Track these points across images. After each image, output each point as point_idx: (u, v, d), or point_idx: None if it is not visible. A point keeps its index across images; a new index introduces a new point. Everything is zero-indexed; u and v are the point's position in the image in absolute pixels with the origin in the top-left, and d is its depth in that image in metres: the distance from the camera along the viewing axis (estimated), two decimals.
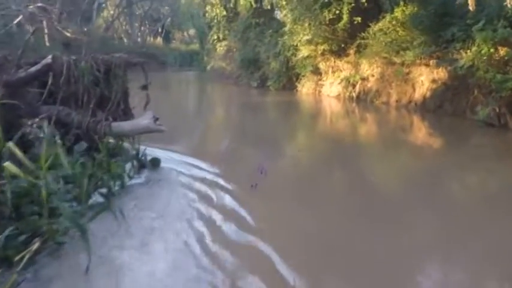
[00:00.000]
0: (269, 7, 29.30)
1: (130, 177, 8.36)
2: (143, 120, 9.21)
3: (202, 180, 8.53)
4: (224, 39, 35.94)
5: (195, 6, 39.64)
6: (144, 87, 10.03)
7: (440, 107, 17.63)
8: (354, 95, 22.33)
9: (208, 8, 35.75)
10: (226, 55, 35.68)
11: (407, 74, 19.31)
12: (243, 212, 6.90)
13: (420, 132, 15.48)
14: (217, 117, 19.08)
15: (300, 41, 23.99)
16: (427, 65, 18.29)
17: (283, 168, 10.23)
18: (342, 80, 23.13)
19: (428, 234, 6.51)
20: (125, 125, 9.14)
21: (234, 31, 34.14)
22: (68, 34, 46.85)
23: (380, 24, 20.98)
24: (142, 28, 70.81)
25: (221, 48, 36.06)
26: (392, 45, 19.86)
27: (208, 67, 39.93)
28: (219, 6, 34.63)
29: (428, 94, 18.28)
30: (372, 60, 21.43)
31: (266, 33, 29.85)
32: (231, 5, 33.91)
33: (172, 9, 62.84)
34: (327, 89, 24.52)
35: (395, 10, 20.54)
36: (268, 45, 29.02)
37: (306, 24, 23.36)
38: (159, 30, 70.80)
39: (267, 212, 7.09)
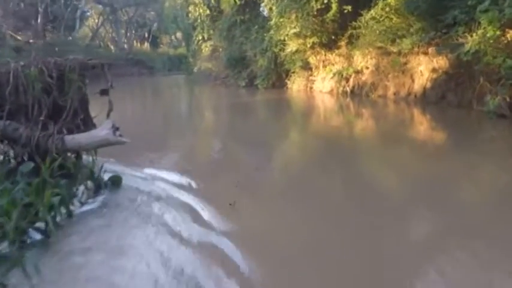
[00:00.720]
0: (253, 1, 27.68)
1: (82, 203, 6.74)
2: (101, 131, 7.61)
3: (174, 202, 6.91)
4: (209, 39, 34.76)
5: (178, 8, 37.91)
6: (104, 92, 8.39)
7: (443, 98, 16.36)
8: (348, 89, 21.21)
9: (191, 8, 34.33)
10: (212, 55, 34.61)
11: (405, 64, 18.08)
12: (225, 250, 5.22)
13: (422, 126, 14.09)
14: (201, 123, 17.45)
15: (287, 35, 22.58)
16: (426, 53, 16.98)
17: (271, 178, 8.84)
18: (334, 74, 21.90)
19: (433, 244, 5.41)
20: (80, 138, 7.55)
21: (218, 30, 32.93)
22: (19, 38, 45.64)
23: (372, 11, 19.50)
24: (128, 34, 70.01)
25: (207, 48, 34.87)
26: (387, 34, 18.50)
27: (195, 69, 38.77)
28: (201, 5, 33.29)
29: (428, 85, 17.05)
30: (365, 51, 20.20)
31: (252, 29, 28.54)
32: (214, 3, 32.73)
33: (157, 13, 61.50)
34: (319, 84, 23.30)
35: None
36: (254, 42, 27.79)
37: (293, 17, 21.95)
38: (146, 35, 69.89)
39: (254, 256, 5.08)
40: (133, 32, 71.23)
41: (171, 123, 17.54)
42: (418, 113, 16.14)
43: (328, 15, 20.84)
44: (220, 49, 33.19)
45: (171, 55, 61.96)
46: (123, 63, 59.50)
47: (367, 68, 20.40)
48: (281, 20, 22.75)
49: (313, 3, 20.70)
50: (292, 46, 22.86)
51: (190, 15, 35.14)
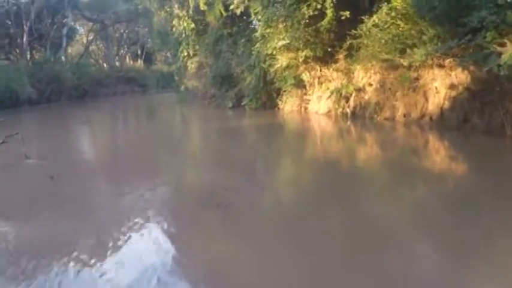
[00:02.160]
0: (239, 12, 24.48)
1: None
2: None
3: None
4: (195, 55, 31.52)
5: (163, 23, 34.85)
6: None
7: (465, 122, 13.47)
8: (349, 110, 18.33)
9: (175, 22, 31.11)
10: (198, 73, 31.49)
11: (416, 79, 15.25)
12: None
13: (438, 156, 11.79)
14: (176, 155, 14.06)
15: (275, 48, 19.36)
16: (442, 66, 14.16)
17: (260, 218, 7.50)
18: (331, 93, 18.95)
19: None
20: None
21: (204, 45, 30.00)
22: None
23: (375, 17, 16.42)
24: (120, 52, 68.31)
25: (192, 65, 31.73)
26: (393, 43, 15.43)
27: (182, 87, 35.63)
28: (186, 18, 30.09)
29: (446, 105, 14.23)
30: (367, 65, 17.25)
31: (239, 43, 25.43)
32: (200, 16, 29.72)
33: (149, 30, 59.15)
34: (315, 105, 20.35)
35: None
36: (241, 57, 24.81)
37: (281, 26, 18.76)
38: (139, 52, 68.02)
39: None
40: (126, 48, 69.88)
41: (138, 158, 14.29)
42: (434, 139, 13.67)
43: (322, 23, 17.63)
44: (206, 66, 30.10)
45: (164, 72, 59.11)
46: (115, 81, 57.65)
47: (371, 85, 17.47)
48: (268, 30, 19.59)
49: (304, 9, 17.60)
50: (282, 61, 19.72)
51: (174, 29, 31.92)
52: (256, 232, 6.72)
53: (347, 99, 18.26)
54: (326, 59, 19.24)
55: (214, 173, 10.82)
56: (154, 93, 54.30)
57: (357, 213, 7.32)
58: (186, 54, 32.00)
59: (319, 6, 17.39)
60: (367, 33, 16.68)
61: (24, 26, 49.46)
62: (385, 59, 15.94)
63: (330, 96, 18.85)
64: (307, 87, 20.69)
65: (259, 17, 20.41)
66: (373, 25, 16.43)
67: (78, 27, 65.30)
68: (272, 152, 14.22)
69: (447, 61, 13.69)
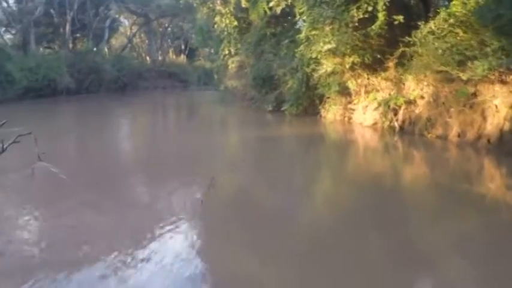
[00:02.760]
0: (280, 10, 23.20)
1: None
2: None
3: None
4: (236, 54, 30.31)
5: (205, 19, 33.69)
6: None
7: None
8: (396, 124, 16.78)
9: (217, 18, 29.88)
10: (239, 72, 30.23)
11: (474, 95, 13.82)
12: None
13: (493, 183, 10.69)
14: (205, 167, 12.85)
15: (320, 51, 17.87)
16: (504, 83, 12.80)
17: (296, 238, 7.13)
18: (379, 104, 17.50)
19: None
20: None
21: (246, 44, 28.71)
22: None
23: (431, 24, 14.87)
24: (163, 46, 67.81)
25: (233, 64, 30.44)
26: (451, 54, 13.98)
27: (222, 87, 34.66)
28: (228, 15, 28.87)
29: (507, 126, 12.74)
30: (420, 75, 15.77)
31: (282, 44, 24.15)
32: (243, 14, 28.69)
33: (193, 25, 58.50)
34: (359, 115, 18.93)
35: (453, 2, 14.38)
36: (284, 59, 23.50)
37: (327, 29, 17.30)
38: (183, 47, 67.43)
39: None
40: (169, 43, 69.52)
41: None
42: (491, 165, 12.42)
43: (373, 27, 16.19)
44: (247, 66, 28.93)
45: (207, 69, 58.27)
46: (156, 75, 57.08)
47: (422, 97, 15.93)
48: (313, 32, 18.15)
49: (353, 11, 16.18)
50: (326, 66, 18.30)
51: (216, 26, 30.73)
52: (287, 251, 6.53)
53: (395, 112, 16.81)
54: (374, 66, 17.80)
55: (251, 186, 10.59)
56: (195, 90, 53.65)
57: (397, 239, 6.95)
58: (227, 52, 30.88)
59: (370, 9, 15.98)
60: (422, 41, 15.27)
61: (68, 16, 49.31)
62: (440, 70, 14.55)
63: (377, 108, 17.43)
64: (353, 96, 19.32)
65: (304, 17, 18.99)
66: (428, 32, 15.01)
67: (122, 20, 65.23)
68: (312, 165, 13.32)
69: (511, 77, 12.19)
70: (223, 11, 29.19)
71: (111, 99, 42.38)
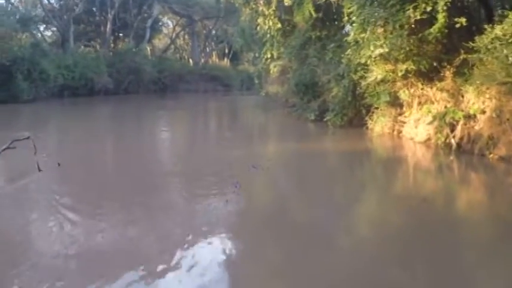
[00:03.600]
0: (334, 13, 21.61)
1: None
2: None
3: None
4: (278, 58, 28.74)
5: (247, 20, 32.15)
6: None
7: None
8: (453, 141, 14.56)
9: (260, 20, 28.22)
10: (280, 78, 28.65)
11: None
12: None
13: None
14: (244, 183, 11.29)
15: (370, 56, 15.94)
16: None
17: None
18: (433, 118, 15.34)
19: None
20: None
21: (290, 47, 27.04)
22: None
23: (498, 28, 12.78)
24: (207, 48, 67.16)
25: (275, 69, 28.88)
26: None
27: (262, 92, 32.90)
28: (272, 17, 27.16)
29: None
30: (482, 87, 13.59)
31: (328, 48, 22.31)
32: (287, 16, 27.00)
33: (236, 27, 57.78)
34: (411, 129, 16.82)
35: None
36: (329, 65, 21.70)
37: (379, 31, 15.35)
38: (226, 51, 66.68)
39: None
40: (213, 46, 68.98)
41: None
42: None
43: (431, 30, 14.12)
44: (290, 71, 27.37)
45: (250, 73, 57.27)
46: (197, 78, 56.18)
47: (484, 112, 13.80)
48: (362, 35, 16.17)
49: (409, 11, 14.16)
50: (376, 73, 16.33)
51: (258, 28, 29.07)
52: (322, 279, 5.93)
53: (452, 128, 14.71)
54: (430, 75, 15.83)
55: (289, 203, 9.79)
56: (237, 95, 52.46)
57: (445, 275, 5.99)
58: (269, 56, 29.18)
59: (428, 9, 13.91)
60: (487, 47, 13.18)
61: (109, 14, 48.76)
62: (505, 82, 12.57)
63: (431, 122, 15.41)
64: (404, 107, 17.33)
65: (354, 18, 17.01)
66: (494, 37, 12.93)
67: (165, 21, 64.86)
68: (356, 184, 11.81)
69: None
70: (266, 12, 27.52)
71: (149, 101, 41.42)
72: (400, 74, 15.66)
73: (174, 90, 52.03)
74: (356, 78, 18.27)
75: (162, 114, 30.49)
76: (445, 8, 13.66)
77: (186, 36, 69.01)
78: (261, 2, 27.67)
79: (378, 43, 15.18)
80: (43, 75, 36.40)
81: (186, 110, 34.81)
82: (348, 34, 19.82)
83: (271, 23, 27.40)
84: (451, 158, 13.92)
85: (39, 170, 10.80)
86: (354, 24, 16.96)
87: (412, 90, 16.54)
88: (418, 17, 14.09)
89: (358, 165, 14.33)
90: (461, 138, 14.42)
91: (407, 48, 14.74)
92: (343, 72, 19.46)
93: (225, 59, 67.40)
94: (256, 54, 36.87)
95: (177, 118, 29.89)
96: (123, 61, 47.18)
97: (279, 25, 27.30)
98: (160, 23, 62.22)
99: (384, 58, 15.57)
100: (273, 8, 26.61)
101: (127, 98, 43.76)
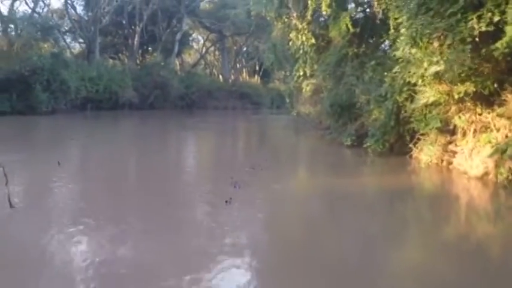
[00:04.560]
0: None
1: None
2: None
3: None
4: (312, 75, 26.44)
5: (278, 35, 29.99)
6: None
7: None
8: None
9: (293, 35, 26.07)
10: (313, 97, 26.69)
11: None
12: None
13: None
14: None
15: (422, 76, 13.60)
16: None
17: None
18: (494, 150, 12.86)
19: None
20: None
21: (324, 65, 24.68)
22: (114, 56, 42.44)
23: None
24: (237, 65, 65.74)
25: (307, 87, 26.69)
26: None
27: (294, 112, 30.84)
28: (305, 32, 24.96)
29: None
30: None
31: (367, 66, 20.08)
32: (322, 31, 24.88)
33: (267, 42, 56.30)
34: (464, 161, 14.40)
35: None
36: (368, 85, 19.32)
37: (436, 44, 13.00)
38: (257, 68, 65.18)
39: None
40: (244, 63, 67.63)
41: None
42: None
43: (497, 45, 11.76)
44: (324, 90, 25.22)
45: (281, 91, 55.59)
46: (227, 95, 54.77)
47: None
48: (413, 51, 13.81)
49: (473, 21, 11.82)
50: (428, 95, 13.99)
51: (291, 43, 26.89)
52: None
53: None
54: (490, 98, 13.51)
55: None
56: (267, 113, 50.43)
57: None
58: (301, 73, 26.88)
59: (496, 19, 11.60)
60: None
61: (137, 27, 47.54)
62: None
63: (492, 155, 13.01)
64: (456, 135, 14.96)
65: (402, 30, 14.56)
66: None
67: (196, 36, 63.81)
68: (399, 228, 9.83)
69: None
70: (299, 26, 25.38)
71: (174, 118, 39.59)
72: (456, 96, 13.31)
73: (202, 107, 50.36)
74: (401, 100, 16.02)
75: (186, 135, 28.59)
76: None
77: (217, 52, 67.82)
78: (295, 15, 25.59)
79: (434, 59, 12.83)
80: (63, 87, 35.02)
81: (211, 130, 32.73)
82: (387, 52, 17.64)
83: (304, 38, 25.21)
84: None
85: (11, 207, 8.84)
86: (402, 38, 14.54)
87: (467, 116, 14.23)
88: (483, 28, 11.74)
89: (401, 202, 11.96)
90: None
91: (469, 66, 12.39)
92: (386, 93, 17.13)
93: (256, 76, 65.90)
94: (287, 72, 34.79)
95: (202, 140, 28.06)
96: (149, 75, 45.88)
97: (313, 40, 25.03)
98: (190, 38, 60.92)
99: (438, 77, 13.25)
100: (307, 21, 24.49)
101: (151, 113, 42.10)
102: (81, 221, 8.83)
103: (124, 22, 48.96)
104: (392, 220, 10.35)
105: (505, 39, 11.52)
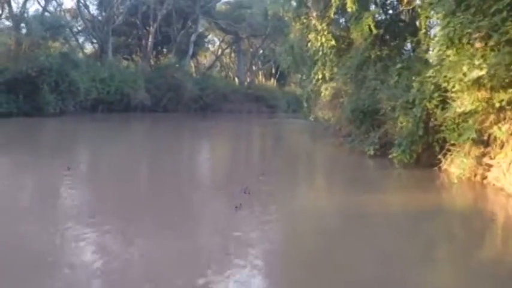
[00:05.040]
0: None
1: None
2: None
3: None
4: (331, 79, 25.07)
5: (296, 36, 28.55)
6: None
7: None
8: None
9: (311, 36, 24.70)
10: (333, 102, 25.07)
11: None
12: None
13: None
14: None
15: (460, 80, 12.13)
16: None
17: None
18: None
19: None
20: None
21: (345, 68, 23.38)
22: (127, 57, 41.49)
23: None
24: (253, 67, 64.64)
25: (326, 91, 25.11)
26: None
27: (311, 117, 29.68)
28: (325, 33, 23.69)
29: None
30: None
31: (392, 70, 18.70)
32: (342, 32, 24.08)
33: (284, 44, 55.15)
34: (501, 175, 12.92)
35: None
36: (394, 90, 17.77)
37: (478, 45, 11.55)
38: (273, 71, 64.14)
39: None
40: (260, 65, 66.58)
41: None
42: None
43: None
44: (344, 95, 23.62)
45: (297, 95, 54.44)
46: (242, 98, 53.60)
47: None
48: (449, 52, 12.33)
49: None
50: (465, 103, 12.50)
51: (310, 45, 25.48)
52: None
53: None
54: None
55: None
56: (283, 117, 49.24)
57: None
58: (320, 76, 25.62)
59: None
60: None
61: (151, 27, 46.47)
62: None
63: None
64: (495, 146, 13.48)
65: (437, 29, 13.03)
66: None
67: (211, 38, 62.92)
68: (427, 251, 8.47)
69: None
70: (319, 27, 24.05)
71: (188, 121, 38.25)
72: (498, 104, 11.84)
73: (216, 110, 49.17)
74: (432, 107, 14.58)
75: (198, 141, 27.28)
76: None
77: (232, 54, 66.78)
78: (314, 15, 24.25)
79: (476, 62, 11.33)
80: (72, 88, 33.82)
81: (225, 135, 31.42)
82: (411, 54, 16.20)
83: (324, 39, 23.94)
84: None
85: None
86: (436, 39, 13.05)
87: (506, 126, 12.77)
88: None
89: (430, 225, 10.27)
90: None
91: None
92: (414, 99, 15.65)
93: (272, 79, 64.70)
94: (304, 76, 33.39)
95: (214, 146, 26.80)
96: (163, 77, 44.73)
97: (333, 42, 23.76)
98: (205, 39, 59.84)
99: (478, 83, 11.76)
100: (327, 22, 23.16)
101: (164, 116, 40.92)
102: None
103: (138, 22, 47.72)
104: (420, 243, 8.89)
105: None
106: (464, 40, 11.64)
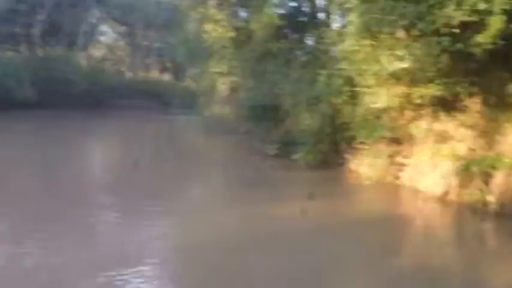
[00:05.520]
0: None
1: None
2: None
3: None
4: (229, 73, 24.09)
5: (194, 27, 26.96)
6: None
7: None
8: (492, 200, 10.16)
9: (209, 26, 23.19)
10: (231, 97, 24.38)
11: None
12: None
13: None
14: None
15: (376, 73, 10.96)
16: None
17: None
18: (465, 165, 10.69)
19: None
20: None
21: (243, 61, 22.17)
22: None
23: None
24: (148, 61, 62.85)
25: (224, 86, 23.89)
26: None
27: (207, 113, 28.07)
28: (224, 22, 22.21)
29: None
30: None
31: (294, 63, 17.58)
32: (242, 23, 22.62)
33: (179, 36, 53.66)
34: (416, 176, 12.22)
35: None
36: (298, 84, 16.60)
37: (399, 35, 10.30)
38: (169, 65, 62.60)
39: None
40: (154, 59, 64.78)
41: None
42: None
43: (480, 38, 9.26)
44: (243, 89, 22.59)
45: (193, 90, 52.76)
46: (135, 94, 51.55)
47: None
48: (364, 42, 11.06)
49: (450, 8, 9.22)
50: (382, 99, 11.36)
51: (207, 36, 23.94)
52: None
53: (486, 180, 10.25)
54: (453, 104, 11.13)
55: None
56: (178, 114, 47.18)
57: None
58: (218, 70, 24.33)
59: (481, 7, 9.00)
60: None
61: (38, 15, 43.46)
62: None
63: (458, 172, 10.63)
64: (404, 145, 12.51)
65: (352, 17, 11.68)
66: None
67: (104, 29, 60.60)
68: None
69: None
70: (217, 17, 22.69)
71: (74, 119, 35.72)
72: (417, 100, 10.74)
73: (108, 106, 47.06)
74: (340, 102, 13.45)
75: (87, 142, 25.32)
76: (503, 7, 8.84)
77: (127, 47, 64.76)
78: (211, 2, 22.78)
79: (399, 53, 10.09)
80: None
81: (115, 136, 29.67)
82: (315, 46, 15.05)
83: (221, 30, 22.61)
84: (488, 225, 10.22)
85: None
86: (350, 27, 11.79)
87: (422, 123, 11.80)
88: (465, 18, 9.11)
89: (345, 242, 8.86)
90: (499, 197, 10.10)
91: (442, 64, 9.76)
92: (320, 94, 14.44)
93: (167, 74, 63.17)
94: (200, 70, 31.95)
95: (101, 147, 25.20)
96: (51, 70, 41.90)
97: (232, 33, 22.46)
98: (97, 30, 57.50)
99: (398, 77, 10.58)
100: (227, 11, 21.86)
101: (49, 113, 37.98)
102: None
103: (25, 9, 44.68)
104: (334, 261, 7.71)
105: (490, 31, 9.03)
106: (386, 29, 10.36)
